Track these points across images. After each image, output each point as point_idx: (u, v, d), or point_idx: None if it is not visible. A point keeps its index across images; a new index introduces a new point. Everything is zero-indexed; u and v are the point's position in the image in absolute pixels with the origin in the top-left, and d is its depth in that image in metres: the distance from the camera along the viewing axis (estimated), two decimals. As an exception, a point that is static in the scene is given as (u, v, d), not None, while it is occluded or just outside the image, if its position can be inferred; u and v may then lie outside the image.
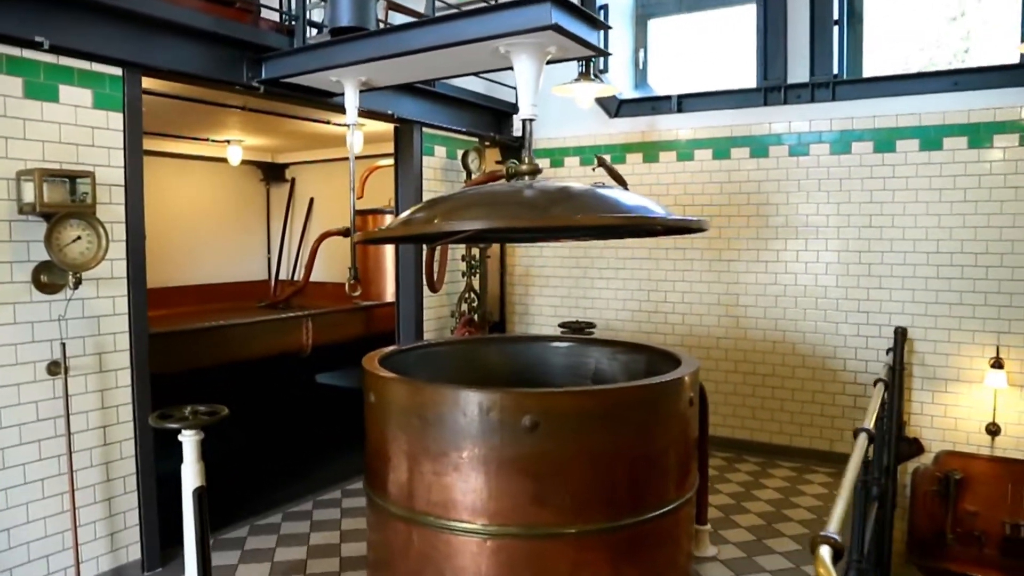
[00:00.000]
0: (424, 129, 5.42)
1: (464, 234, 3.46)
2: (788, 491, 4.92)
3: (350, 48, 4.00)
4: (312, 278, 7.27)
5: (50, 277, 3.30)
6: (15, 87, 3.23)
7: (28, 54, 3.26)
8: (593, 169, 3.97)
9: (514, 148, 6.30)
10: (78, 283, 3.20)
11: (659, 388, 3.23)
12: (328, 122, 5.87)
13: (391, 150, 6.69)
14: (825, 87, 5.47)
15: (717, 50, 6.75)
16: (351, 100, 4.28)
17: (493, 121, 6.12)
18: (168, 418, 2.94)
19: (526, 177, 3.57)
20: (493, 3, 3.48)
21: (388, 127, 6.08)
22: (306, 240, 8.01)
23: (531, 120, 3.61)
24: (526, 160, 3.57)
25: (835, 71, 5.48)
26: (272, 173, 8.09)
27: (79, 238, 3.19)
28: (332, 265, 7.30)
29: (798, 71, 5.58)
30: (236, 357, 4.62)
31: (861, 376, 5.34)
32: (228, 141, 6.83)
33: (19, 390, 3.26)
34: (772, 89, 5.63)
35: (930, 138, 5.07)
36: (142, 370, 3.70)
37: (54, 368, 3.35)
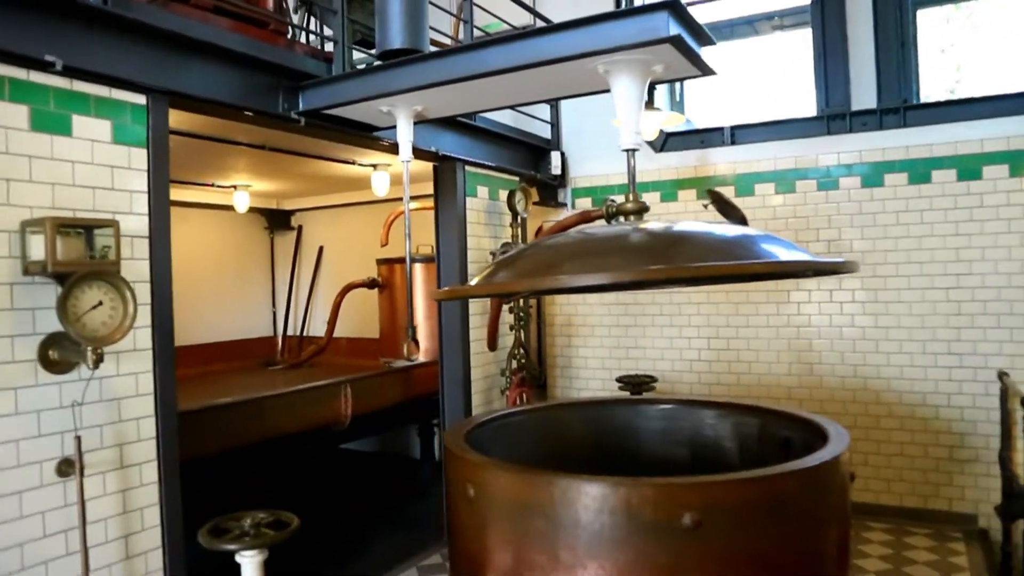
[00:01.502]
0: (467, 168, 4.77)
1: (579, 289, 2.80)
2: (893, 559, 4.25)
3: (408, 72, 3.37)
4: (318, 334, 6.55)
5: (61, 353, 2.57)
6: (20, 117, 2.53)
7: (36, 77, 2.57)
8: (705, 206, 3.35)
9: (552, 187, 5.69)
10: (99, 360, 2.47)
11: (827, 468, 2.58)
12: (353, 162, 5.21)
13: (417, 192, 6.09)
14: (894, 113, 4.96)
15: (758, 79, 6.27)
16: (404, 133, 3.63)
17: (530, 158, 5.51)
18: (223, 535, 2.22)
19: (631, 217, 2.97)
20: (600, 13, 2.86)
21: (415, 168, 5.44)
22: (316, 292, 7.28)
23: (634, 151, 3.01)
24: (630, 197, 2.96)
25: (903, 96, 4.98)
26: (277, 220, 7.37)
27: (100, 304, 2.47)
28: (349, 320, 6.57)
29: (862, 98, 5.08)
30: (270, 434, 3.88)
31: (957, 425, 4.73)
32: (235, 186, 6.13)
33: (21, 500, 2.50)
34: (835, 117, 5.11)
35: (1022, 163, 4.56)
36: (170, 462, 2.95)
37: (65, 468, 2.60)
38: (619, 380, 5.09)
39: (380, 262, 5.58)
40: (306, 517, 4.81)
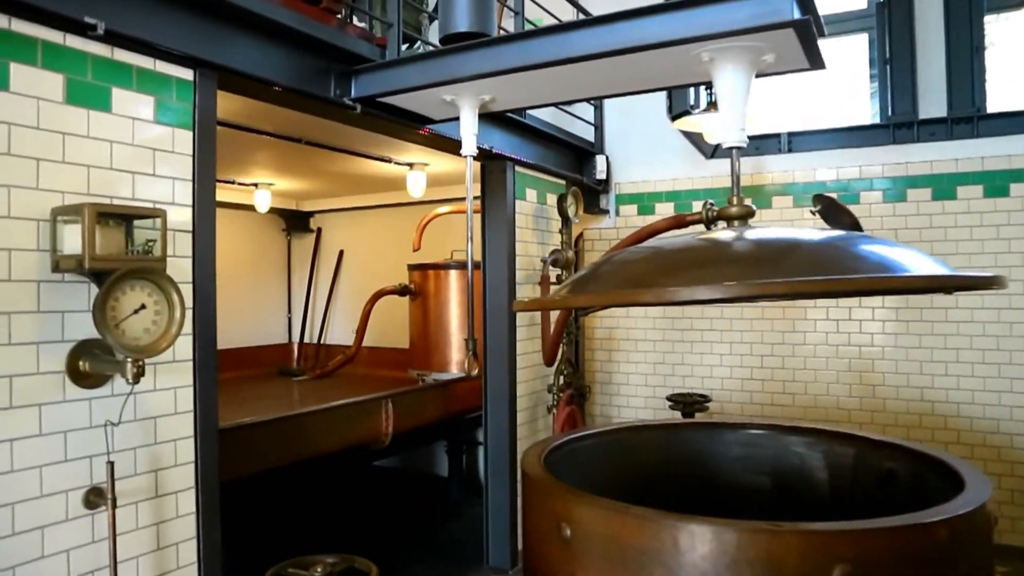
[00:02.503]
0: (516, 168, 4.40)
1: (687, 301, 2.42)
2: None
3: (478, 57, 3.00)
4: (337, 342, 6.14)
5: (93, 364, 2.17)
6: (54, 88, 2.14)
7: (73, 42, 2.19)
8: (812, 212, 2.99)
9: (594, 193, 5.32)
10: (139, 374, 2.07)
11: (979, 512, 2.22)
12: (389, 160, 4.82)
13: (450, 195, 5.72)
14: (967, 122, 4.62)
15: (806, 85, 5.94)
16: (469, 125, 3.25)
17: (574, 161, 5.14)
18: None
19: (735, 223, 2.61)
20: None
21: (451, 168, 5.08)
22: (335, 298, 6.87)
23: (739, 148, 2.66)
24: (735, 201, 2.61)
25: (976, 105, 4.65)
26: (295, 222, 6.96)
27: (143, 307, 2.07)
28: (373, 328, 6.15)
29: (928, 106, 4.75)
30: (308, 453, 3.47)
31: (1033, 456, 4.38)
32: (256, 184, 5.72)
33: (43, 537, 2.09)
34: (901, 125, 4.77)
35: (1112, 177, 4.23)
36: (210, 490, 2.55)
37: (94, 498, 2.20)
38: (670, 399, 4.71)
39: (412, 268, 5.18)
40: (344, 541, 4.44)
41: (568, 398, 4.37)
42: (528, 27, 4.05)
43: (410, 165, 4.98)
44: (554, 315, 4.40)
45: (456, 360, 4.99)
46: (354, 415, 3.85)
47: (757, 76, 2.73)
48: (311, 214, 7.02)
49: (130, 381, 2.06)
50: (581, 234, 5.46)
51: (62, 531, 2.14)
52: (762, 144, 5.12)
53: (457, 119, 3.67)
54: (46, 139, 2.11)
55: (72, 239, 2.04)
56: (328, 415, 3.66)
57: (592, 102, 5.33)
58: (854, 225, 2.80)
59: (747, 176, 5.08)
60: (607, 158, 5.37)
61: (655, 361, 5.32)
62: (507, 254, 4.27)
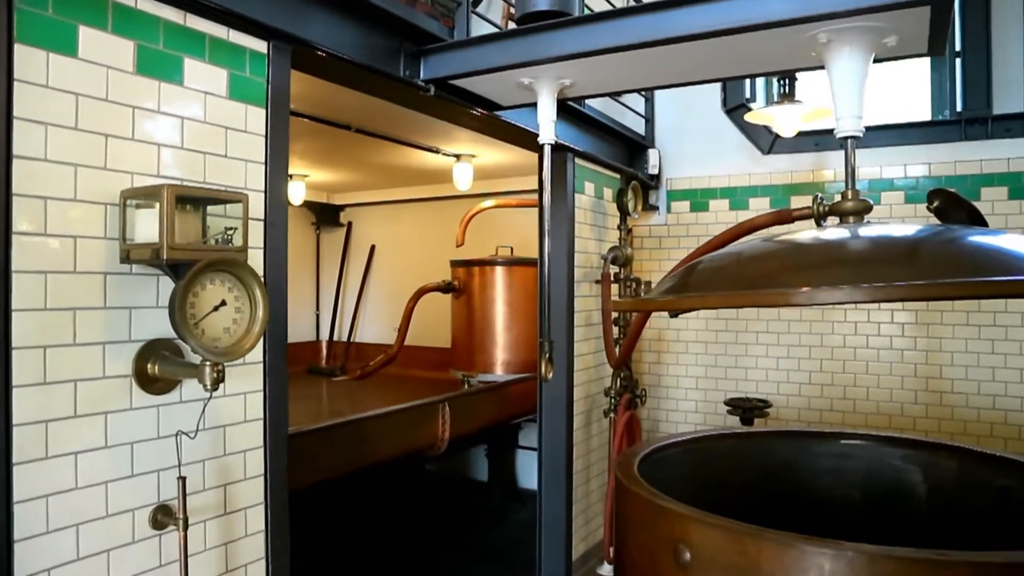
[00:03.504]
0: (576, 160, 4.13)
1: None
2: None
3: (563, 37, 2.72)
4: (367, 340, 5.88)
5: (164, 368, 1.91)
6: (124, 55, 1.88)
7: (145, 5, 1.92)
8: (929, 207, 2.72)
9: (646, 187, 5.05)
10: (219, 379, 1.81)
11: None
12: (437, 151, 4.56)
13: (493, 189, 5.46)
14: (1045, 118, 4.37)
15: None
16: (547, 111, 2.98)
17: (627, 155, 4.87)
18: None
19: (850, 218, 2.35)
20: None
21: (497, 161, 4.82)
22: (366, 295, 6.60)
23: (855, 138, 2.40)
24: (849, 195, 2.35)
25: (1055, 99, 4.39)
26: (325, 216, 6.68)
27: (223, 304, 1.81)
28: (411, 325, 5.88)
29: (1006, 101, 4.48)
30: (365, 461, 3.21)
31: (1114, 470, 4.11)
32: (291, 176, 5.45)
33: (109, 561, 1.83)
34: (973, 121, 4.50)
35: None
36: (279, 505, 2.29)
37: (162, 517, 1.94)
38: (728, 403, 4.44)
39: (456, 264, 4.91)
40: (392, 552, 4.17)
41: (627, 402, 4.11)
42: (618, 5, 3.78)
43: (457, 156, 4.71)
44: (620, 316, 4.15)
45: (502, 360, 4.72)
46: (412, 420, 3.58)
47: (875, 61, 2.49)
48: (342, 208, 6.75)
49: (208, 388, 1.80)
50: (630, 230, 5.19)
51: (128, 554, 1.88)
52: (821, 140, 4.85)
53: (525, 105, 3.44)
54: (115, 113, 1.85)
55: (146, 226, 1.77)
56: (387, 420, 3.39)
57: (643, 94, 5.07)
58: (976, 219, 2.54)
59: (808, 172, 4.81)
60: (659, 152, 5.11)
61: (706, 364, 5.06)
62: (567, 250, 4.01)
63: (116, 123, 1.85)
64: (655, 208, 5.20)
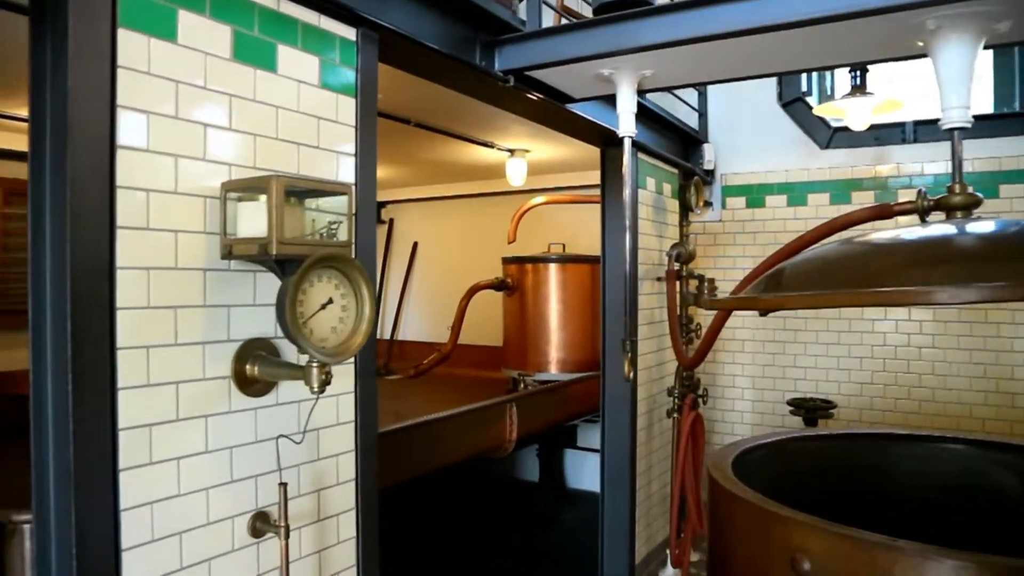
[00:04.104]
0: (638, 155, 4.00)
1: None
2: None
3: (648, 26, 2.60)
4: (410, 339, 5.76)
5: (264, 369, 1.81)
6: (222, 41, 1.78)
7: (243, -13, 1.82)
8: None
9: (704, 183, 4.91)
10: (327, 381, 1.70)
11: None
12: (492, 145, 4.45)
13: (545, 184, 5.35)
14: (1122, 109, 4.19)
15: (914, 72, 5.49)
16: (627, 103, 2.87)
17: (681, 149, 4.74)
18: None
19: (958, 213, 2.23)
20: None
21: (548, 156, 4.70)
22: (408, 292, 6.51)
23: (962, 129, 2.28)
24: (957, 188, 2.22)
25: None
26: (367, 214, 6.57)
27: (330, 301, 1.71)
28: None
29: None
30: (436, 464, 3.10)
31: None
32: (338, 173, 5.36)
33: (210, 570, 1.74)
34: (1043, 113, 4.34)
35: None
36: (369, 510, 2.19)
37: (260, 525, 1.84)
38: (791, 403, 4.30)
39: (508, 261, 4.80)
40: (450, 555, 4.04)
41: (691, 403, 3.98)
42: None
43: (511, 151, 4.60)
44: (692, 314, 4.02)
45: (556, 359, 4.61)
46: (480, 421, 3.48)
47: (985, 48, 2.35)
48: (383, 204, 6.65)
49: (315, 390, 1.69)
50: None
51: (228, 564, 1.78)
52: (882, 134, 4.69)
53: (595, 98, 3.33)
54: (214, 101, 1.75)
55: (250, 219, 1.67)
56: (457, 421, 3.28)
57: (697, 88, 4.93)
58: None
59: (870, 168, 4.65)
60: (713, 147, 4.97)
61: (764, 363, 4.91)
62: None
63: (214, 112, 1.75)
64: (709, 204, 5.06)
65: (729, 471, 2.50)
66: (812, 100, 4.97)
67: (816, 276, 2.18)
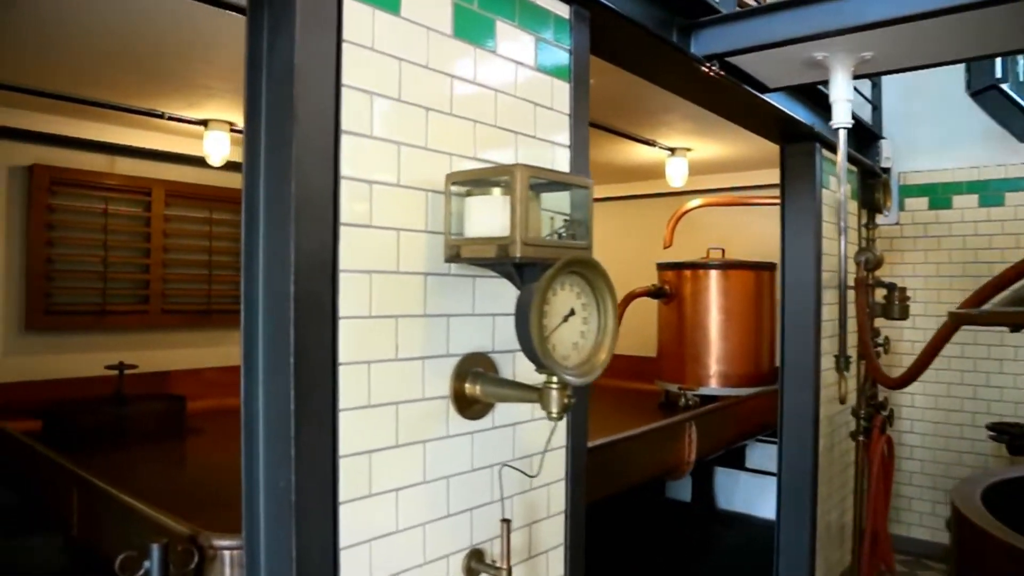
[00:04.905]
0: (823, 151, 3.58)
1: None
2: None
3: (871, 2, 2.21)
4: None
5: (486, 388, 1.55)
6: (443, 14, 1.53)
7: (467, -48, 1.58)
8: None
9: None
10: (568, 405, 1.42)
11: None
12: (653, 143, 4.12)
13: (702, 186, 4.97)
14: None
15: None
16: (842, 90, 2.50)
17: (855, 144, 4.25)
18: None
19: None
20: None
21: (711, 154, 4.32)
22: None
23: None
24: None
25: None
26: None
27: (572, 313, 1.43)
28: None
29: None
30: (617, 487, 2.81)
31: None
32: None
33: (426, 619, 1.49)
34: None
35: None
36: (578, 546, 1.91)
37: (475, 564, 1.59)
38: (992, 428, 3.76)
39: (664, 267, 4.45)
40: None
41: (881, 424, 3.51)
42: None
43: (671, 150, 4.25)
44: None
45: (716, 373, 4.22)
46: (660, 441, 3.15)
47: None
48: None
49: (555, 415, 1.42)
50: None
51: (443, 611, 1.53)
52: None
53: (784, 89, 2.96)
54: (435, 83, 1.51)
55: (484, 216, 1.41)
56: (639, 441, 2.97)
57: (872, 78, 4.44)
58: None
59: (1082, 162, 4.05)
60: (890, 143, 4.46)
61: (950, 381, 4.36)
62: (813, 253, 3.46)
63: (436, 94, 1.51)
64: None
65: (981, 507, 2.10)
66: (1006, 87, 4.38)
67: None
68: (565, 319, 1.41)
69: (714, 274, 4.25)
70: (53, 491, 2.42)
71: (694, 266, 4.30)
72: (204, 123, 3.78)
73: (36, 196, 3.97)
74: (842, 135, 2.56)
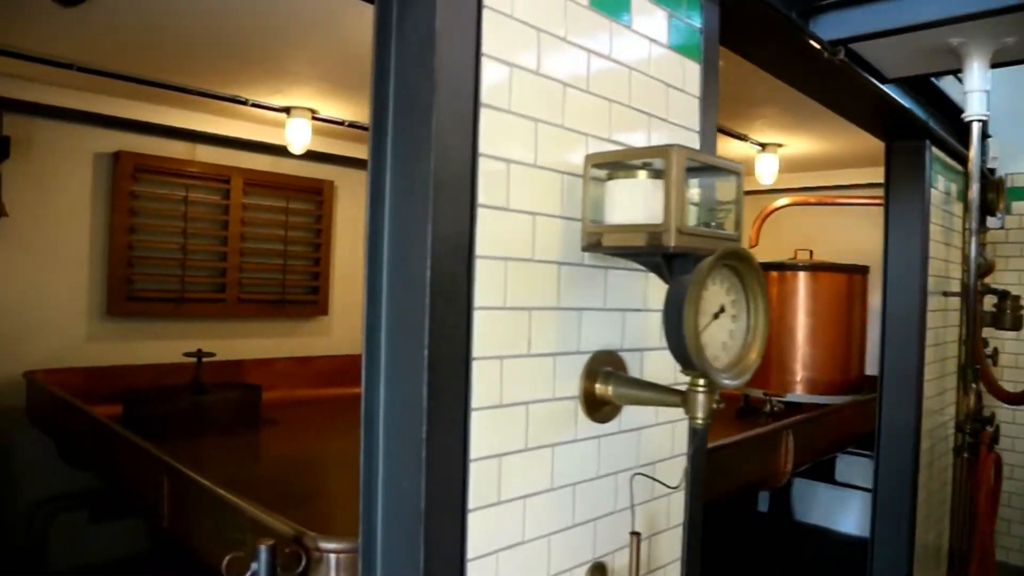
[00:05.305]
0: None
1: None
2: None
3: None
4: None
5: (619, 389, 1.42)
6: (584, -19, 1.41)
7: (608, -85, 1.44)
8: None
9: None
10: (714, 412, 1.28)
11: None
12: (745, 138, 3.93)
13: (793, 184, 4.76)
14: None
15: None
16: (978, 79, 2.31)
17: (960, 140, 3.99)
18: None
19: None
20: None
21: (800, 150, 4.11)
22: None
23: None
24: None
25: None
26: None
27: (722, 310, 1.28)
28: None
29: None
30: (713, 495, 2.67)
31: None
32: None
33: (549, 638, 1.36)
34: None
35: None
36: (694, 558, 1.76)
37: (599, 579, 1.46)
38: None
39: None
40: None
41: (989, 440, 3.28)
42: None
43: (762, 146, 4.06)
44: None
45: (802, 379, 4.01)
46: (758, 449, 2.99)
47: None
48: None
49: (701, 421, 1.28)
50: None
51: (566, 630, 1.40)
52: None
53: (903, 79, 2.75)
54: (573, 56, 1.38)
55: (631, 202, 1.28)
56: (738, 449, 2.81)
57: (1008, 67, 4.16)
58: None
59: None
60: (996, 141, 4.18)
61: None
62: (919, 257, 3.24)
63: (573, 69, 1.38)
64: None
65: None
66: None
67: None
68: (715, 316, 1.27)
69: (803, 276, 4.04)
70: (142, 478, 2.37)
71: (781, 267, 4.09)
72: (287, 110, 3.73)
73: (120, 183, 3.98)
74: (975, 128, 2.36)
